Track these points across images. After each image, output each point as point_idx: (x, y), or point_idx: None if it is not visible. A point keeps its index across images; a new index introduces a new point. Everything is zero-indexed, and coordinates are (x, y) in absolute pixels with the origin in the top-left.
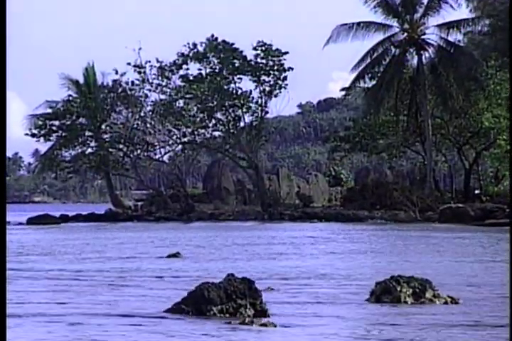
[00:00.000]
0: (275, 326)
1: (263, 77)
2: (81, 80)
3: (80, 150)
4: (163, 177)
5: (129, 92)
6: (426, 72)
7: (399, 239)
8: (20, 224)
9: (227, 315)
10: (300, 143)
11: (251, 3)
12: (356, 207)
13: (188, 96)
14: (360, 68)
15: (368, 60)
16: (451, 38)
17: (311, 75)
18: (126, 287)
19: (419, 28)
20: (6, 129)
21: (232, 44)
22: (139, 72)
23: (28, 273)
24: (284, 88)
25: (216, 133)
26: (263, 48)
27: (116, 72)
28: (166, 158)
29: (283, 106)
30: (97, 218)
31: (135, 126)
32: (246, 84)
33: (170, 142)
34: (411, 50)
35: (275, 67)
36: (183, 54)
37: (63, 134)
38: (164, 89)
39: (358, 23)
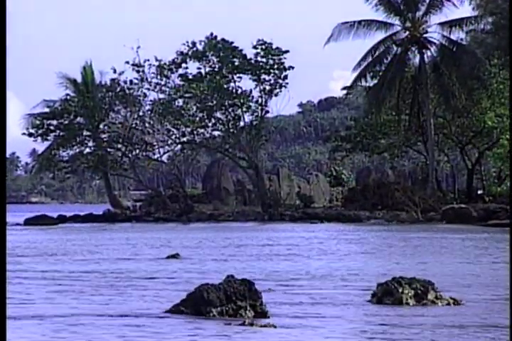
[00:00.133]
0: (275, 327)
1: (263, 76)
2: (79, 79)
3: (77, 150)
4: (162, 177)
5: (127, 91)
6: (428, 71)
7: (401, 239)
8: (18, 224)
9: (227, 317)
10: (301, 143)
11: (251, 1)
12: (357, 207)
13: (187, 95)
14: (362, 67)
15: (370, 59)
16: (453, 37)
17: (311, 74)
18: (125, 288)
19: (421, 27)
20: (6, 129)
21: (232, 42)
22: (138, 71)
23: (26, 273)
24: (285, 87)
25: (216, 133)
26: (263, 47)
27: (115, 71)
28: (165, 157)
29: (283, 105)
30: (95, 219)
31: (134, 125)
32: (246, 83)
33: (169, 142)
34: (413, 48)
35: (275, 66)
36: (182, 53)
37: (61, 134)
38: (163, 88)
39: (360, 22)
